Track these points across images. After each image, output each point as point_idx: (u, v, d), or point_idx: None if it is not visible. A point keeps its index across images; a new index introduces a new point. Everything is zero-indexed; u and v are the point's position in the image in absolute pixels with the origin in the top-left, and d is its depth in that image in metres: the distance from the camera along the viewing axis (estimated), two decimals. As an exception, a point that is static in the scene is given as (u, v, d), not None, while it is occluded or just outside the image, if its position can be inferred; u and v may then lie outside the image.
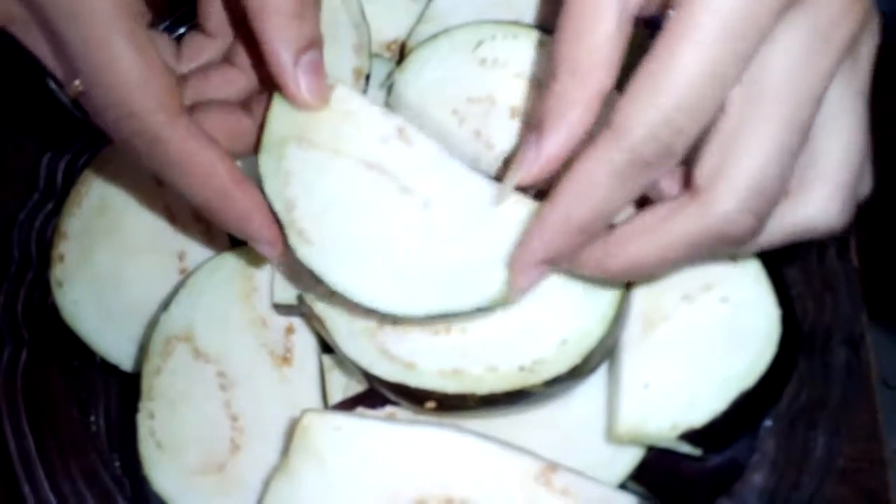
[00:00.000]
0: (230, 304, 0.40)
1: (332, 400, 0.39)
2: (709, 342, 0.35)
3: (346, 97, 0.37)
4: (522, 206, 0.35)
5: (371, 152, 0.36)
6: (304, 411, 0.34)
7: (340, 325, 0.36)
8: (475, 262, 0.34)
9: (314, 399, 0.38)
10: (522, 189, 0.34)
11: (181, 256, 0.43)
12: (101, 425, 0.41)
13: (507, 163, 0.38)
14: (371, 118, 0.37)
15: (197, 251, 0.43)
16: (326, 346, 0.39)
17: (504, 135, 0.42)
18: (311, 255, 0.34)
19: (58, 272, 0.42)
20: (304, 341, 0.39)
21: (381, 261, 0.34)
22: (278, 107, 0.36)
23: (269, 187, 0.35)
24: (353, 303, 0.34)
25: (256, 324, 0.40)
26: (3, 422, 0.38)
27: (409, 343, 0.36)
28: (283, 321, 0.40)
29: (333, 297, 0.35)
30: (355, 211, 0.35)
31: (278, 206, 0.35)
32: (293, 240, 0.34)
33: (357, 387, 0.39)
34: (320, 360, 0.40)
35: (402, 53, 0.47)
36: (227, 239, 0.44)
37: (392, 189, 0.36)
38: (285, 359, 0.39)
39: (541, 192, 0.38)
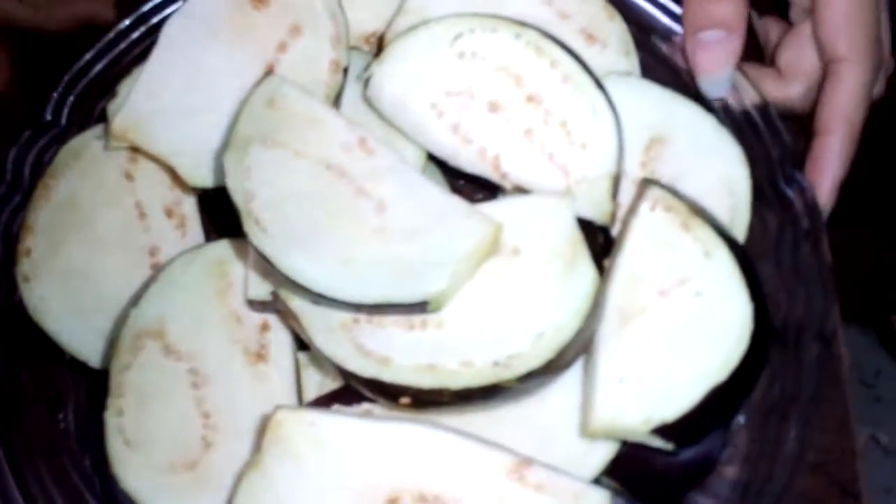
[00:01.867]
0: (203, 300, 0.39)
1: (308, 397, 0.39)
2: (682, 336, 0.35)
3: (313, 107, 0.39)
4: (472, 218, 0.36)
5: (332, 156, 0.38)
6: (277, 407, 0.34)
7: (316, 321, 0.36)
8: (422, 262, 0.35)
9: (289, 396, 0.38)
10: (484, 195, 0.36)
11: (153, 252, 0.43)
12: (71, 423, 0.40)
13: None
14: (335, 126, 0.39)
15: (169, 247, 0.42)
16: (302, 344, 0.39)
17: (483, 129, 0.42)
18: (265, 241, 0.35)
19: (24, 267, 0.41)
20: (279, 338, 0.39)
21: (331, 251, 0.36)
22: (246, 110, 0.38)
23: (231, 180, 0.36)
24: (304, 290, 0.35)
25: (230, 320, 0.39)
26: (-32, 421, 0.37)
27: (385, 338, 0.35)
28: (257, 318, 0.39)
29: (298, 289, 0.35)
30: (311, 205, 0.37)
31: (237, 197, 0.36)
32: (249, 227, 0.36)
33: (332, 384, 0.39)
34: (295, 357, 0.39)
35: (379, 46, 0.46)
36: (200, 234, 0.43)
37: (349, 190, 0.38)
38: (260, 356, 0.39)
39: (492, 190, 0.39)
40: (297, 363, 0.39)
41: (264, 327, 0.39)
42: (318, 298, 0.35)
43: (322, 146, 0.39)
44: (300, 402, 0.38)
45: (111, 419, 0.36)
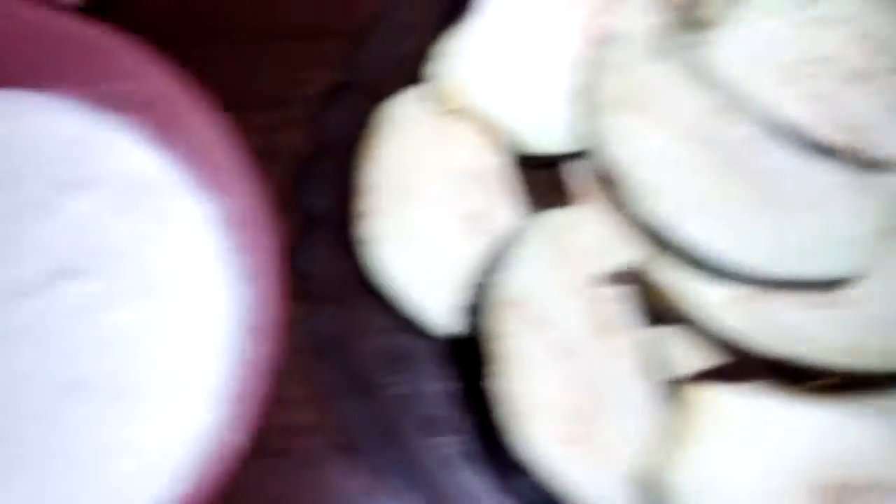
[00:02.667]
0: (552, 271, 0.38)
1: (658, 372, 0.37)
2: None
3: (668, 73, 0.38)
4: (856, 191, 0.35)
5: (697, 123, 0.37)
6: (702, 387, 0.33)
7: (703, 295, 0.35)
8: (830, 236, 0.34)
9: (638, 370, 0.37)
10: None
11: (478, 217, 0.41)
12: (412, 386, 0.39)
13: None
14: (694, 93, 0.38)
15: (496, 213, 0.41)
16: (653, 318, 0.37)
17: (842, 99, 0.39)
18: (654, 207, 0.35)
19: (363, 229, 0.40)
20: (628, 312, 0.38)
21: (726, 222, 0.35)
22: (600, 76, 0.38)
23: (604, 146, 0.36)
24: (695, 260, 0.33)
25: (579, 291, 0.38)
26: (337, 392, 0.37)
27: (794, 315, 0.34)
28: (604, 290, 0.38)
29: (679, 259, 0.34)
30: (690, 174, 0.36)
31: (611, 164, 0.36)
32: (632, 195, 0.35)
33: (690, 359, 0.37)
34: (647, 331, 0.38)
35: (692, 13, 0.44)
36: (530, 203, 0.42)
37: (723, 158, 0.36)
38: (609, 328, 0.38)
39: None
40: (648, 337, 0.38)
41: (611, 300, 0.38)
42: (713, 271, 0.34)
43: (684, 113, 0.37)
44: (652, 377, 0.37)
45: (494, 388, 0.35)
